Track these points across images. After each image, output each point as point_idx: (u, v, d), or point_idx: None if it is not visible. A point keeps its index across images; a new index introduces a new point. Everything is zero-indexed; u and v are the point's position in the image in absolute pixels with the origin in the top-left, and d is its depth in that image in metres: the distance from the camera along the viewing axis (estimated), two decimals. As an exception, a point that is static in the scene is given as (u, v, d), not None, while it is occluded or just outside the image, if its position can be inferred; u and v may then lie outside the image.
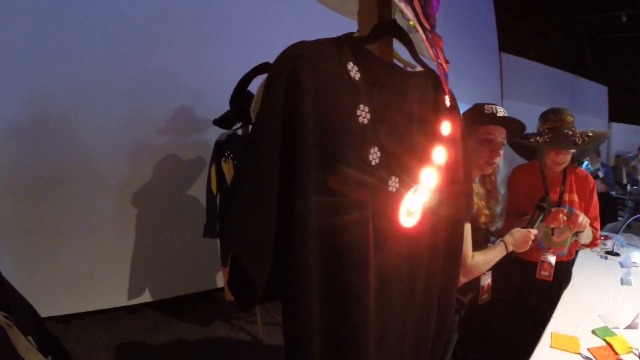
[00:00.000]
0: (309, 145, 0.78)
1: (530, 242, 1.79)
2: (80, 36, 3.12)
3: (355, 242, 0.85)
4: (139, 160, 3.54)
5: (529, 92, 8.81)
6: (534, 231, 1.80)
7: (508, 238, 1.76)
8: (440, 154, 1.05)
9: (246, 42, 3.75)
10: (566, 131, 2.06)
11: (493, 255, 1.69)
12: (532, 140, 2.13)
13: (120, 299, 3.57)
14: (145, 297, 3.70)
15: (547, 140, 2.11)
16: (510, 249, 1.75)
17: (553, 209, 2.02)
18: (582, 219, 1.99)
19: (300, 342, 0.85)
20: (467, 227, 1.54)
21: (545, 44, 10.73)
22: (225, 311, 3.73)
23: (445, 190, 1.08)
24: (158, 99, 3.56)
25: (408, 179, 0.95)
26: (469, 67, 7.23)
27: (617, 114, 12.98)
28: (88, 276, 3.36)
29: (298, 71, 0.76)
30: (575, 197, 2.16)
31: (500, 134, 1.65)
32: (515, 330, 2.11)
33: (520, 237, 1.76)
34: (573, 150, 2.11)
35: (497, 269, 2.28)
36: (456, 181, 1.13)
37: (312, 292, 0.83)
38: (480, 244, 1.72)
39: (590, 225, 2.12)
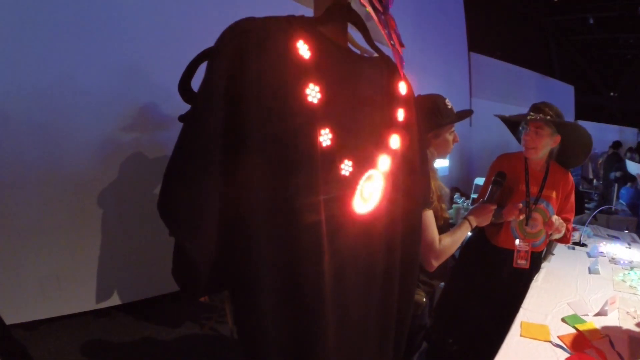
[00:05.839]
0: (254, 123, 0.74)
1: (490, 216, 1.86)
2: (44, 33, 3.00)
3: (306, 225, 0.82)
4: (104, 159, 3.42)
5: (496, 91, 8.97)
6: (493, 205, 1.87)
7: (470, 215, 1.83)
8: (395, 140, 1.02)
9: (213, 38, 3.64)
10: (532, 113, 2.09)
11: (459, 234, 1.73)
12: (506, 116, 2.25)
13: (88, 303, 3.43)
14: (114, 300, 3.57)
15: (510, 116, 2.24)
16: (474, 224, 1.81)
17: (510, 204, 2.07)
18: (557, 221, 2.03)
19: (252, 332, 0.82)
20: (430, 214, 1.58)
21: (513, 44, 10.95)
22: (195, 312, 3.65)
23: (401, 177, 1.06)
24: (123, 96, 3.44)
25: (362, 163, 0.92)
26: (439, 66, 7.30)
27: (583, 112, 13.35)
28: (54, 280, 3.23)
29: (243, 47, 0.73)
30: (553, 194, 2.17)
31: None
32: (487, 317, 2.11)
33: (480, 211, 1.84)
34: (551, 147, 2.12)
35: (472, 256, 2.30)
36: (412, 168, 1.11)
37: (261, 281, 0.80)
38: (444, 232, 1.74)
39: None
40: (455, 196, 4.93)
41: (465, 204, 4.53)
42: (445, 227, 1.73)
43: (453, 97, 1.87)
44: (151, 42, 3.53)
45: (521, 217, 2.07)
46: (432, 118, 1.62)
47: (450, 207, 4.49)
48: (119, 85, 3.40)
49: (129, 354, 3.08)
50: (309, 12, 1.04)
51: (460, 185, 7.41)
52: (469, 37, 8.36)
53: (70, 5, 3.11)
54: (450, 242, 1.66)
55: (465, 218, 1.82)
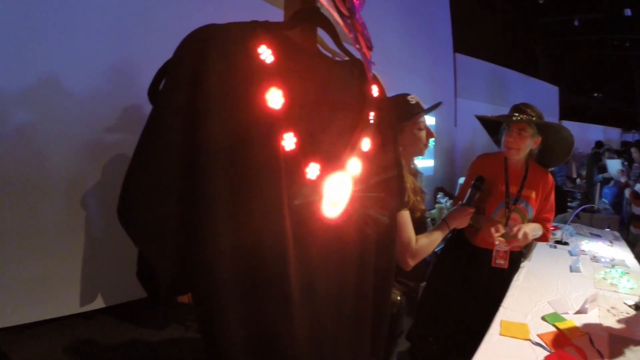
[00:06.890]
0: (214, 130, 0.73)
1: (468, 219, 1.88)
2: (29, 29, 2.95)
3: (270, 230, 0.81)
4: (88, 161, 3.36)
5: (482, 92, 9.05)
6: (471, 209, 1.89)
7: (448, 217, 1.85)
8: (366, 143, 1.01)
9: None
10: (516, 114, 2.08)
11: (436, 235, 1.75)
12: (487, 116, 2.26)
13: (73, 306, 3.38)
14: (99, 303, 3.52)
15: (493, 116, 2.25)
16: (452, 226, 1.83)
17: (488, 224, 2.05)
18: (521, 234, 2.01)
19: (217, 339, 0.80)
20: (405, 214, 1.59)
21: (498, 45, 11.04)
22: (180, 313, 3.63)
23: (373, 179, 1.06)
24: (108, 96, 3.39)
25: (330, 166, 0.91)
26: (424, 66, 7.33)
27: (568, 112, 13.52)
28: (40, 283, 3.18)
29: (203, 53, 0.72)
30: (533, 194, 2.16)
31: (425, 119, 1.76)
32: (468, 315, 2.10)
33: (459, 214, 1.85)
34: (532, 147, 2.12)
35: (452, 255, 2.30)
36: (385, 170, 1.11)
37: (224, 287, 0.78)
38: (420, 232, 1.75)
39: (543, 225, 2.18)
40: (438, 196, 4.95)
41: (448, 204, 4.53)
42: (421, 220, 1.74)
43: (438, 98, 1.87)
44: (139, 42, 3.48)
45: (498, 234, 2.03)
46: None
47: (433, 207, 4.50)
48: (106, 86, 3.35)
49: (115, 356, 3.06)
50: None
51: (444, 184, 7.43)
52: (454, 38, 8.41)
53: (57, 4, 3.06)
54: (427, 243, 1.67)
55: (444, 220, 1.83)
